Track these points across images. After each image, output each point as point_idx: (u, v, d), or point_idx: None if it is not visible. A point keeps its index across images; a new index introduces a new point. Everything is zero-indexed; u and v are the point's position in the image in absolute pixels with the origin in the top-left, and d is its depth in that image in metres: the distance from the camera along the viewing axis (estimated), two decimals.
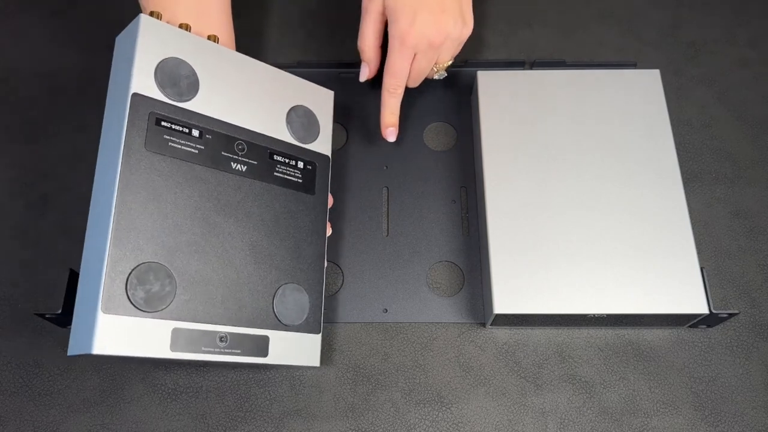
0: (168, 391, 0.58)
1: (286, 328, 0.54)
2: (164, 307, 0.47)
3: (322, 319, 0.57)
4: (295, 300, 0.55)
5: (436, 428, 0.57)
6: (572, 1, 0.79)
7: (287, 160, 0.57)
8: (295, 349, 0.54)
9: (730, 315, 0.58)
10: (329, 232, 0.59)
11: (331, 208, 0.61)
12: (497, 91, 0.66)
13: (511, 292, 0.57)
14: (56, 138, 0.70)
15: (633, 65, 0.72)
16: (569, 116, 0.64)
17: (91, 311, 0.45)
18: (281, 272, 0.54)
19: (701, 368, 0.59)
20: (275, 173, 0.56)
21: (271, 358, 0.53)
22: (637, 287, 0.57)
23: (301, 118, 0.59)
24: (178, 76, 0.51)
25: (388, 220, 0.66)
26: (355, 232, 0.65)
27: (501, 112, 0.65)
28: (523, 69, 0.73)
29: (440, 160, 0.69)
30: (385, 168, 0.68)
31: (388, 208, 0.66)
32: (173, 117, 0.50)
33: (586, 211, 0.60)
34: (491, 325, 0.60)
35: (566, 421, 0.57)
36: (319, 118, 0.60)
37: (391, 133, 0.64)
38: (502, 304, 0.57)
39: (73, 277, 0.59)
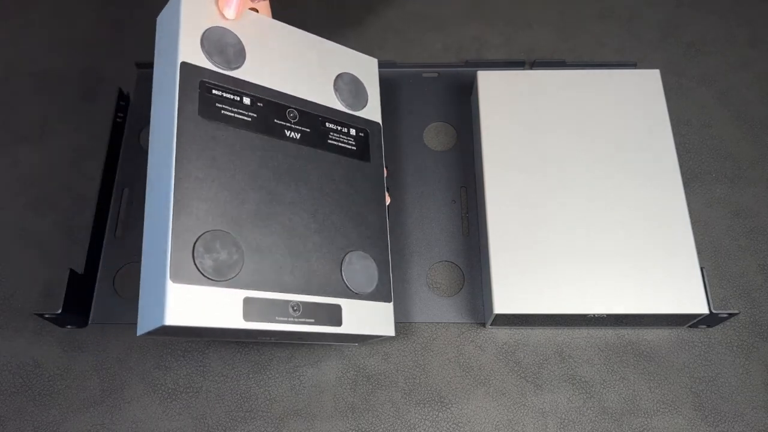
0: (168, 391, 0.58)
1: (357, 296, 0.52)
2: (233, 275, 0.46)
3: (392, 287, 0.55)
4: (363, 267, 0.53)
5: (436, 428, 0.57)
6: (572, 1, 0.79)
7: (339, 128, 0.56)
8: (368, 318, 0.53)
9: (730, 315, 0.58)
10: (388, 200, 0.58)
11: (386, 177, 0.60)
12: (497, 91, 0.66)
13: (511, 292, 0.57)
14: (56, 138, 0.70)
15: (633, 65, 0.72)
16: (569, 116, 0.64)
17: (159, 283, 0.43)
18: (346, 239, 0.53)
19: (701, 368, 0.59)
20: (329, 140, 0.55)
21: (346, 328, 0.51)
22: (637, 287, 0.57)
23: (348, 86, 0.58)
24: (224, 45, 0.50)
25: (388, 220, 0.66)
26: None
27: (501, 112, 0.65)
28: (523, 69, 0.73)
29: (440, 160, 0.69)
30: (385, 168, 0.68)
31: (388, 208, 0.66)
32: (223, 85, 0.50)
33: (586, 211, 0.60)
34: (491, 325, 0.60)
35: (566, 421, 0.57)
36: (366, 85, 0.59)
37: (228, 4, 0.51)
38: (502, 304, 0.57)
39: (73, 277, 0.59)
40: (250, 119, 0.50)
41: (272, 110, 0.52)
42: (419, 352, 0.60)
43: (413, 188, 0.67)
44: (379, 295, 0.54)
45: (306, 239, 0.51)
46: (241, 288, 0.46)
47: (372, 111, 0.59)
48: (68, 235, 0.65)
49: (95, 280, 0.63)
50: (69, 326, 0.61)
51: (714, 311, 0.57)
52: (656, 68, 0.71)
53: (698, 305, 0.56)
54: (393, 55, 0.75)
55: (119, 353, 0.60)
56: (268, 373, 0.59)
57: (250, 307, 0.46)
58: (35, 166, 0.69)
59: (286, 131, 0.52)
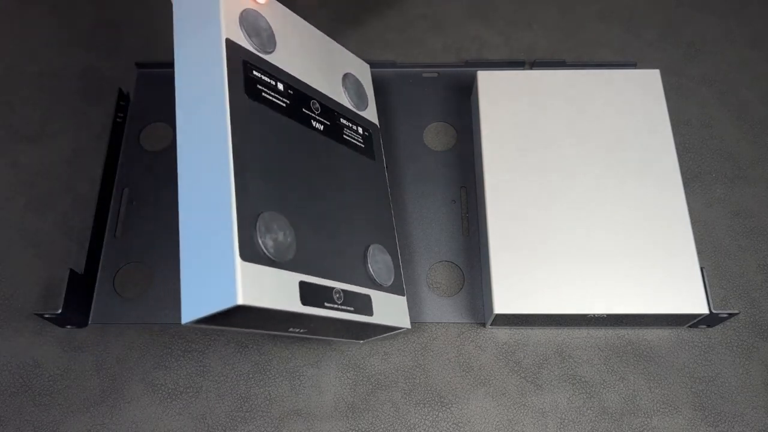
0: (168, 391, 0.58)
1: (380, 288, 0.52)
2: (290, 258, 0.44)
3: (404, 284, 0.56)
4: (383, 260, 0.54)
5: (436, 428, 0.57)
6: (572, 1, 0.79)
7: (350, 124, 0.56)
8: (389, 309, 0.53)
9: (730, 315, 0.58)
10: None
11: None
12: (497, 91, 0.66)
13: (511, 292, 0.57)
14: (56, 138, 0.70)
15: (633, 65, 0.72)
16: (569, 116, 0.64)
17: (222, 262, 0.41)
18: (366, 232, 0.53)
19: (701, 368, 0.59)
20: (344, 136, 0.55)
21: (376, 318, 0.51)
22: (637, 287, 0.57)
23: (353, 86, 0.59)
24: (259, 28, 0.50)
25: None
26: None
27: (501, 112, 0.65)
28: (523, 69, 0.73)
29: (440, 160, 0.69)
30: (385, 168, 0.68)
31: None
32: (262, 67, 0.49)
33: (586, 211, 0.60)
34: (491, 325, 0.60)
35: (566, 421, 0.57)
36: (365, 88, 0.60)
37: None
38: (502, 304, 0.57)
39: (73, 277, 0.59)
40: (284, 105, 0.50)
41: (301, 99, 0.52)
42: (419, 352, 0.60)
43: (413, 188, 0.67)
44: (395, 288, 0.54)
45: (337, 228, 0.50)
46: (296, 271, 0.45)
47: (371, 113, 0.60)
48: (68, 235, 0.65)
49: (95, 280, 0.63)
50: (69, 326, 0.61)
51: (714, 311, 0.57)
52: (656, 68, 0.71)
53: (698, 305, 0.56)
54: (393, 55, 0.75)
55: (119, 353, 0.60)
56: (268, 373, 0.59)
57: (306, 292, 0.45)
58: (35, 166, 0.69)
59: (312, 121, 0.52)
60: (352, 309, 0.49)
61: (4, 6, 0.78)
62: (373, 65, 0.73)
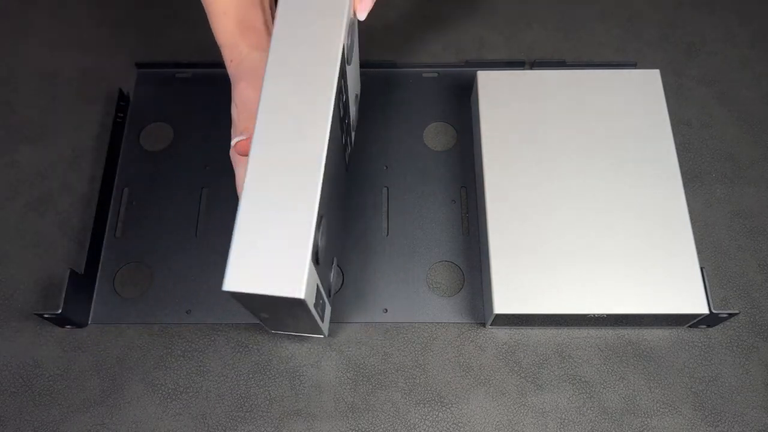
0: (168, 391, 0.58)
1: (329, 296, 0.55)
2: (321, 260, 0.47)
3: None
4: (336, 272, 0.57)
5: (436, 428, 0.57)
6: (572, 1, 0.79)
7: (348, 141, 0.58)
8: (327, 317, 0.56)
9: (730, 315, 0.58)
10: None
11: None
12: (497, 91, 0.66)
13: (511, 292, 0.57)
14: (56, 138, 0.70)
15: (633, 65, 0.72)
16: (569, 116, 0.64)
17: (292, 254, 0.42)
18: (335, 246, 0.55)
19: (701, 368, 0.59)
20: (345, 152, 0.57)
21: (324, 323, 0.54)
22: (637, 287, 0.57)
23: (356, 105, 0.60)
24: (352, 40, 0.50)
25: (388, 220, 0.66)
26: (355, 232, 0.65)
27: (501, 112, 0.65)
28: (523, 69, 0.73)
29: (440, 160, 0.69)
30: (385, 168, 0.68)
31: (388, 208, 0.66)
32: (344, 77, 0.49)
33: (586, 211, 0.60)
34: (491, 325, 0.60)
35: (566, 421, 0.57)
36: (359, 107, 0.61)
37: (365, 8, 0.51)
38: (502, 304, 0.57)
39: (73, 277, 0.59)
40: (340, 115, 0.50)
41: (342, 112, 0.52)
42: (419, 352, 0.60)
43: (413, 188, 0.67)
44: (330, 298, 0.57)
45: (328, 238, 0.52)
46: (316, 273, 0.47)
47: (353, 134, 0.61)
48: (68, 235, 0.65)
49: (95, 280, 0.63)
50: (69, 326, 0.61)
51: (714, 311, 0.57)
52: (656, 68, 0.70)
53: (698, 305, 0.56)
54: (393, 55, 0.75)
55: (119, 353, 0.60)
56: (268, 373, 0.59)
57: (315, 293, 0.47)
58: (35, 166, 0.69)
59: (341, 134, 0.54)
60: (320, 313, 0.52)
61: (4, 6, 0.78)
62: (373, 65, 0.73)
